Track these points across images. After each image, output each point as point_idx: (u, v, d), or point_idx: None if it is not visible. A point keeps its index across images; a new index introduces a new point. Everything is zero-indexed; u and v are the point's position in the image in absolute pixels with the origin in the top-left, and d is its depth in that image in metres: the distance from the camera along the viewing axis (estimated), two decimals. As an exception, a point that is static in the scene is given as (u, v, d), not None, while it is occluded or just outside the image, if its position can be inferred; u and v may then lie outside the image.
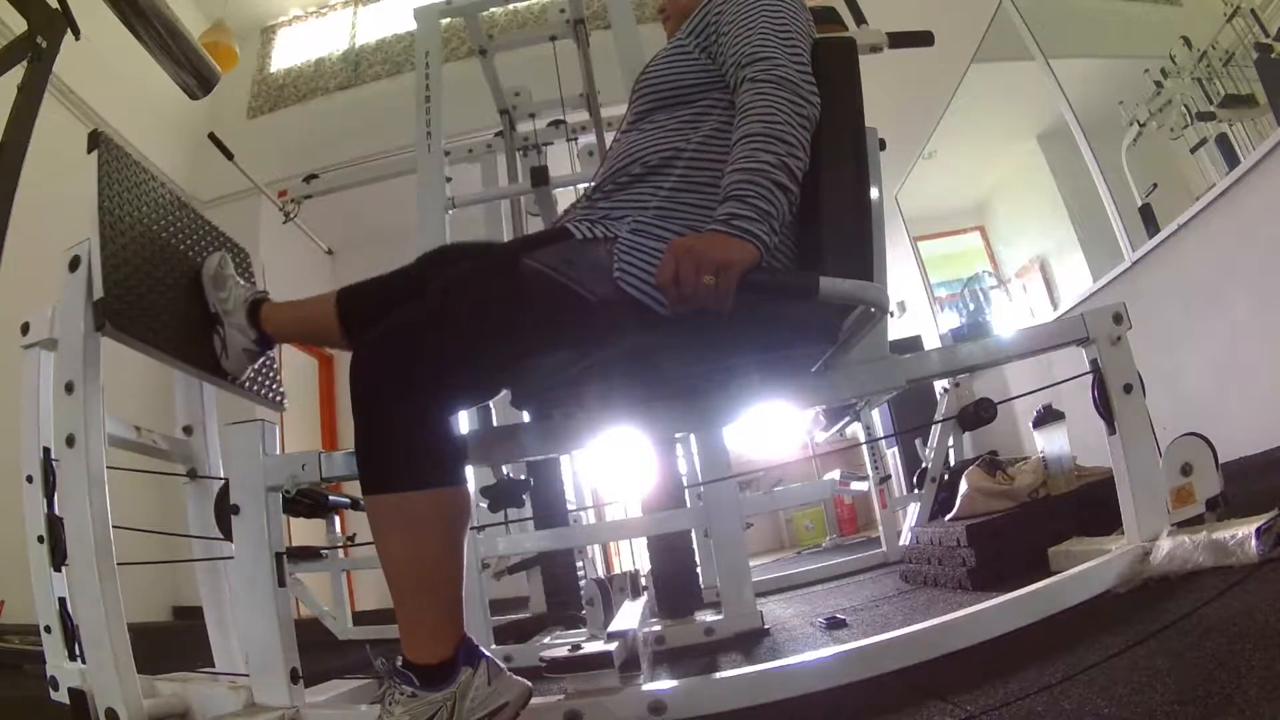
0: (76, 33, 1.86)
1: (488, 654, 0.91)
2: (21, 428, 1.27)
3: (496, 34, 2.83)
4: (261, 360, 1.45)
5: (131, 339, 1.20)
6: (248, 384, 1.51)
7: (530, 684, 0.92)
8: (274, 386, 1.60)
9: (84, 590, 1.10)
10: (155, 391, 2.43)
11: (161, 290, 1.29)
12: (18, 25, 1.87)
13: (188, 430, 1.50)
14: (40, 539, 1.20)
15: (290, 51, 5.63)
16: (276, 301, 1.35)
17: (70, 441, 1.14)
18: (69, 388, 1.15)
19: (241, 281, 1.41)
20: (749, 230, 0.88)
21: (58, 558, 1.18)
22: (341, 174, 2.95)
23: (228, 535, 1.16)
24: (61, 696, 1.14)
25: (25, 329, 1.27)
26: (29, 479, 1.23)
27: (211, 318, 1.36)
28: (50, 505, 1.20)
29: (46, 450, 1.23)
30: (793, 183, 0.93)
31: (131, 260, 1.24)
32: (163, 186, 1.40)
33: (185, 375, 1.47)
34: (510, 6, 4.58)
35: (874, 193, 1.12)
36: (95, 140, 1.23)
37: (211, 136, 3.16)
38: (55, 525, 1.17)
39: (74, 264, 1.19)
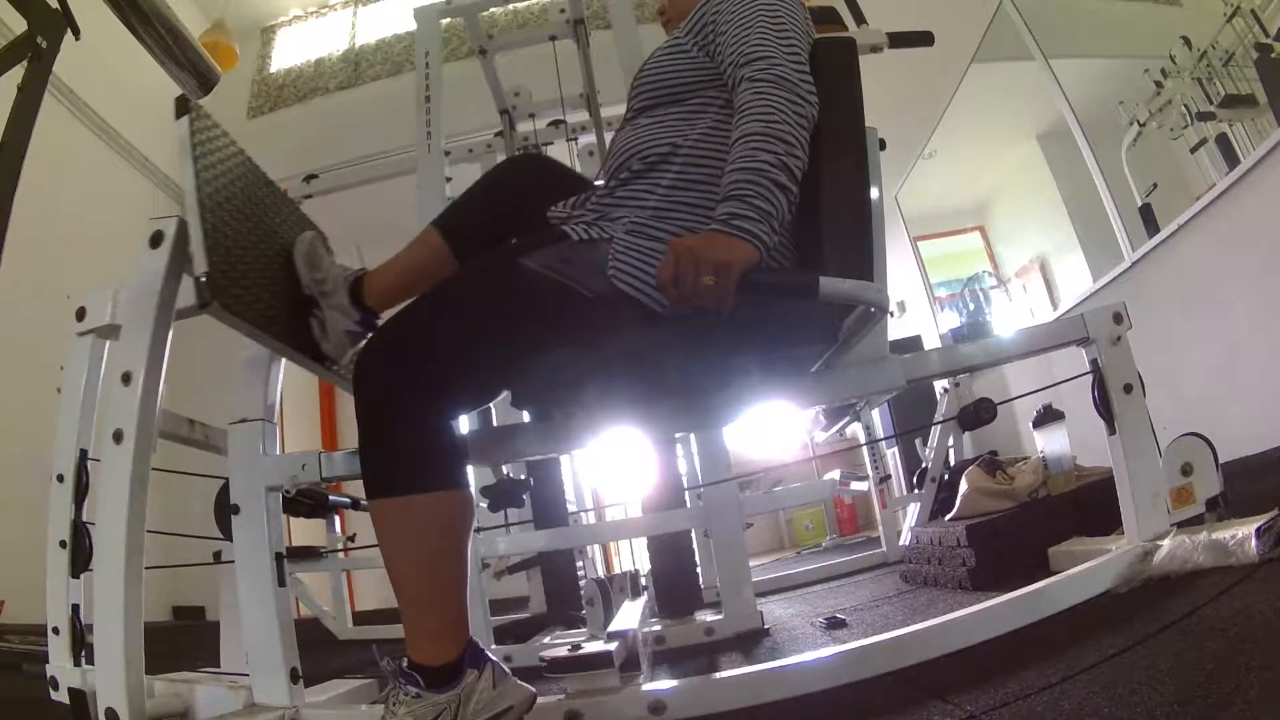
0: (76, 33, 1.86)
1: (493, 657, 0.91)
2: (59, 423, 1.18)
3: (496, 34, 2.83)
4: (353, 348, 1.39)
5: (237, 319, 1.08)
6: (345, 371, 1.44)
7: (534, 690, 0.93)
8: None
9: (108, 594, 1.03)
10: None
11: (260, 269, 1.18)
12: (18, 25, 1.87)
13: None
14: (62, 544, 1.14)
15: (290, 51, 5.63)
16: (375, 269, 1.27)
17: (118, 438, 1.04)
18: (126, 378, 1.05)
19: (336, 261, 1.31)
20: (749, 230, 0.88)
21: (78, 566, 1.13)
22: (341, 174, 2.95)
23: (228, 535, 1.16)
24: (61, 696, 1.14)
25: (81, 314, 1.17)
26: (59, 478, 1.16)
27: (306, 300, 1.25)
28: (78, 512, 1.15)
29: (83, 452, 1.16)
30: (792, 182, 0.93)
31: (231, 236, 1.12)
32: (250, 160, 1.29)
33: (250, 364, 1.37)
34: (510, 6, 4.58)
35: (874, 193, 1.12)
36: (185, 105, 1.10)
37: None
38: (79, 532, 1.13)
39: (156, 239, 1.07)
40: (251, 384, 1.36)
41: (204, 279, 1.03)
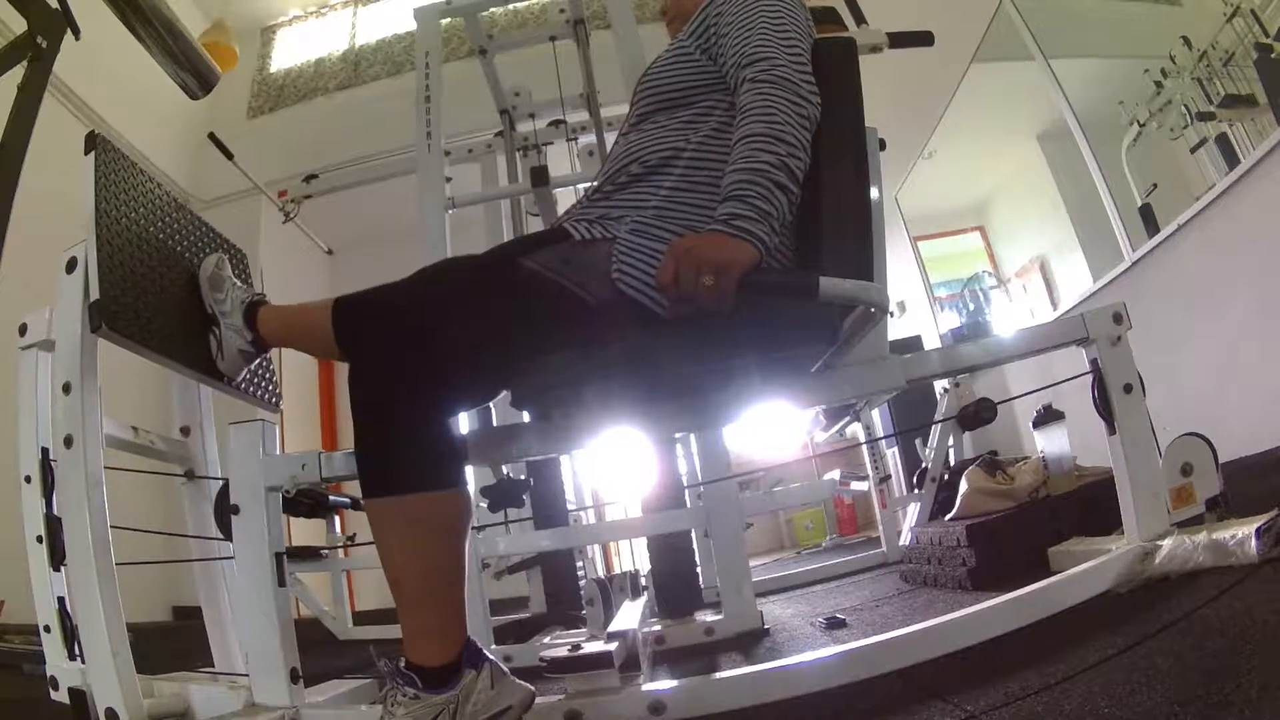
0: (76, 33, 1.86)
1: (491, 657, 0.90)
2: (19, 428, 1.26)
3: (496, 34, 2.83)
4: (258, 361, 1.44)
5: (127, 340, 1.19)
6: (243, 385, 1.51)
7: (533, 689, 0.93)
8: (269, 388, 1.60)
9: (83, 590, 1.10)
10: (152, 392, 2.44)
11: (157, 292, 1.28)
12: (18, 25, 1.87)
13: (185, 431, 1.51)
14: (39, 539, 1.19)
15: (290, 51, 5.63)
16: (274, 305, 1.33)
17: (68, 442, 1.13)
18: (66, 388, 1.15)
19: (239, 283, 1.40)
20: (749, 230, 0.88)
21: (57, 557, 1.18)
22: (341, 174, 2.95)
23: (228, 535, 1.16)
24: (61, 696, 1.14)
25: (23, 330, 1.27)
26: (27, 479, 1.23)
27: (208, 319, 1.35)
28: (49, 505, 1.20)
29: (45, 450, 1.23)
30: (793, 183, 0.93)
31: (128, 262, 1.23)
32: (160, 188, 1.39)
33: (182, 377, 1.46)
34: (510, 6, 4.58)
35: (874, 193, 1.12)
36: (92, 142, 1.23)
37: (211, 136, 3.17)
38: (54, 525, 1.17)
39: (70, 265, 1.18)
40: (186, 392, 1.52)
41: (94, 305, 1.14)
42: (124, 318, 1.18)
